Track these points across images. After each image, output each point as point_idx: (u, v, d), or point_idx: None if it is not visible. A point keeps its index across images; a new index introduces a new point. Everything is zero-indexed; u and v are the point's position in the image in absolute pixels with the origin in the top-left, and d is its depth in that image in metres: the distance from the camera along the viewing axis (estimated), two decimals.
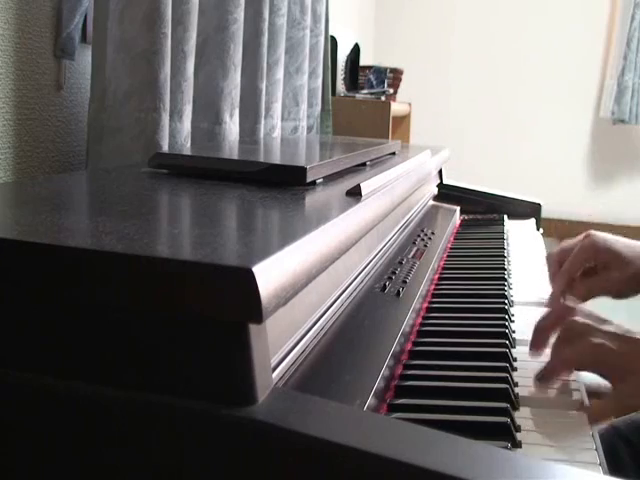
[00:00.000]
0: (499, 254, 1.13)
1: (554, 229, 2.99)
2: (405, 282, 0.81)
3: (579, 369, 0.68)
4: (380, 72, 2.23)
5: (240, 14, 1.16)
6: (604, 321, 0.68)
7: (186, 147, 1.03)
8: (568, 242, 0.87)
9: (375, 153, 1.03)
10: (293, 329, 0.51)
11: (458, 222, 1.42)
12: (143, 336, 0.39)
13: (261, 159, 0.87)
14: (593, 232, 0.83)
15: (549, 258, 0.88)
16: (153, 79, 0.92)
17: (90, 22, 0.97)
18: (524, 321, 0.83)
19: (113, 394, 0.39)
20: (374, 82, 2.21)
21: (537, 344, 0.71)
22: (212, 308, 0.37)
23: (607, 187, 3.29)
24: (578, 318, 0.68)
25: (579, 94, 3.24)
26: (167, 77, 0.94)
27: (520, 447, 0.53)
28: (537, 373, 0.67)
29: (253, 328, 0.38)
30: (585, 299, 0.81)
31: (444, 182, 1.55)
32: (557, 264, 0.85)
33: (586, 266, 0.84)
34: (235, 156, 0.93)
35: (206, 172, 0.74)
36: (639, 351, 0.63)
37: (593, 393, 0.65)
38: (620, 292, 0.82)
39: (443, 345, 0.73)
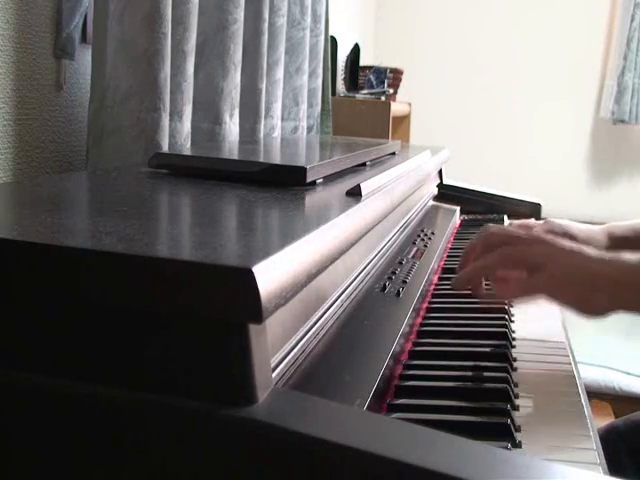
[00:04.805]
0: None
1: None
2: (405, 282, 0.81)
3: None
4: (380, 72, 2.23)
5: (240, 14, 1.16)
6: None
7: (186, 147, 1.03)
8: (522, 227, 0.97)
9: (375, 153, 1.03)
10: (293, 329, 0.51)
11: (458, 222, 1.42)
12: (143, 336, 0.39)
13: (261, 159, 0.87)
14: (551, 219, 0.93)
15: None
16: (153, 79, 0.91)
17: (90, 22, 0.97)
18: (524, 321, 0.83)
19: (112, 394, 0.39)
20: (374, 82, 2.21)
21: (463, 264, 0.75)
22: (212, 308, 0.37)
23: (607, 187, 3.28)
24: (496, 230, 0.74)
25: (579, 94, 3.23)
26: (167, 77, 0.94)
27: (520, 447, 0.53)
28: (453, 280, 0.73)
29: (253, 328, 0.38)
30: None
31: (444, 182, 1.55)
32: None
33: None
34: (235, 156, 0.92)
35: (206, 172, 0.74)
36: (548, 250, 0.67)
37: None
38: None
39: (443, 345, 0.73)
